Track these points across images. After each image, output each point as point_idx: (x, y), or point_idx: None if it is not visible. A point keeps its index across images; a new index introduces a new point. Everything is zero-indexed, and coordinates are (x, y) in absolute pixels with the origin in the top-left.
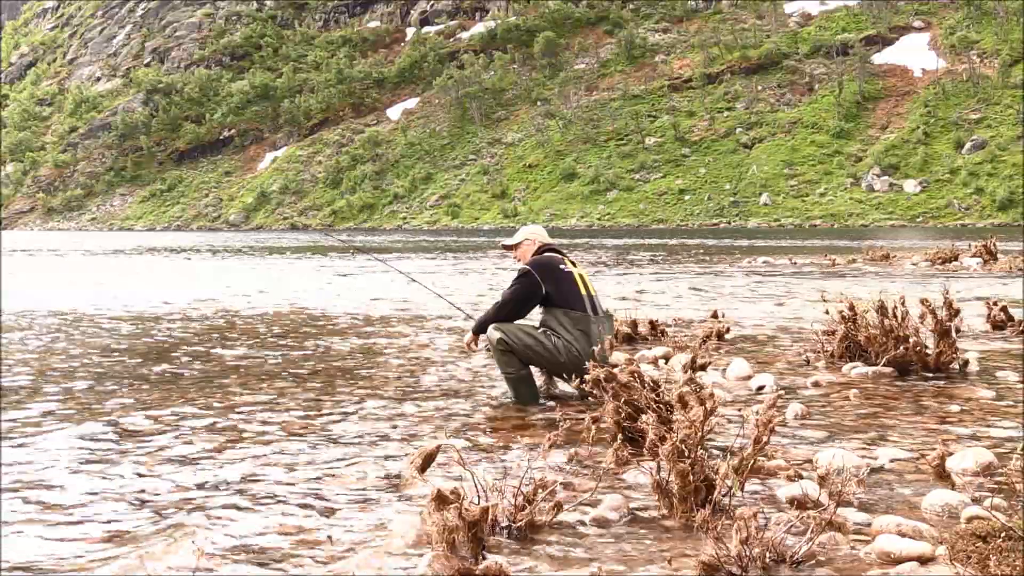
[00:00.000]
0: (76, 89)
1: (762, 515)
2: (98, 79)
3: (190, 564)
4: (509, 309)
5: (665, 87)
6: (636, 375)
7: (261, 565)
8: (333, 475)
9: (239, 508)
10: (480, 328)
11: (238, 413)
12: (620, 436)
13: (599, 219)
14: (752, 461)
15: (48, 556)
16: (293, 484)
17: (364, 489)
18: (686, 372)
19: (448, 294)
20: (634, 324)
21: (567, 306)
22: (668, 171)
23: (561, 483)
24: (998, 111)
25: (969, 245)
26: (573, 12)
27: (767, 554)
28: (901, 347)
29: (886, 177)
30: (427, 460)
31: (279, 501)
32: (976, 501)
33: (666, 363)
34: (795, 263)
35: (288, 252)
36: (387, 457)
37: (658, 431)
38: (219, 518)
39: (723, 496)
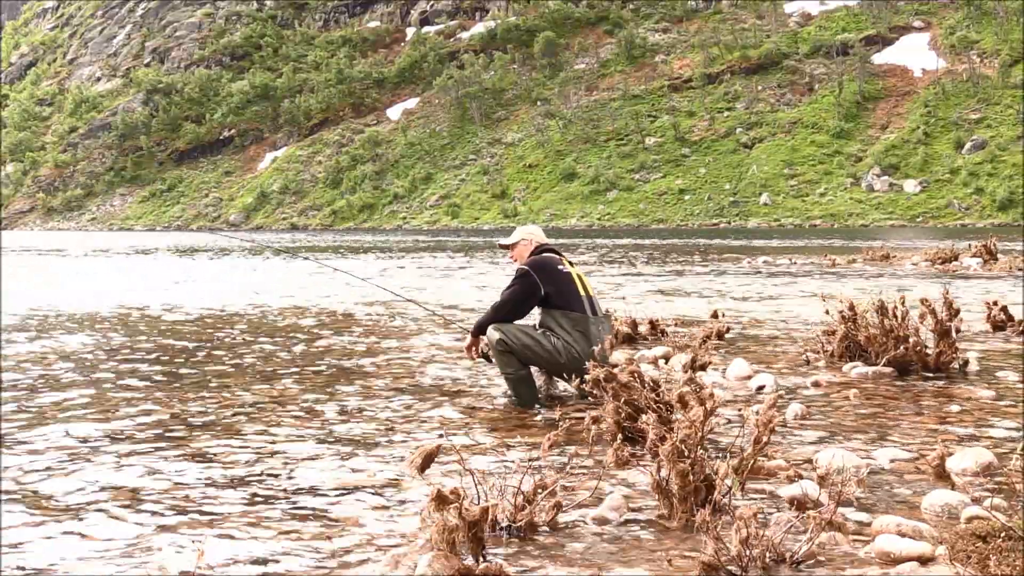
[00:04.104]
0: (76, 89)
1: (762, 515)
2: (98, 79)
3: (191, 564)
4: (508, 310)
5: (665, 87)
6: (636, 375)
7: (257, 564)
8: (332, 475)
9: (238, 507)
10: (479, 330)
11: (237, 412)
12: (620, 436)
13: (599, 219)
14: (752, 461)
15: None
16: (293, 484)
17: (363, 489)
18: (686, 372)
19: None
20: (634, 324)
21: (566, 307)
22: (668, 171)
23: (561, 483)
24: (998, 111)
25: (969, 245)
26: (573, 12)
27: (767, 554)
28: (901, 347)
29: (886, 177)
30: (427, 460)
31: (278, 502)
32: (976, 501)
33: (666, 363)
34: (795, 263)
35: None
36: (387, 457)
37: (658, 431)
38: (219, 516)
39: (723, 496)
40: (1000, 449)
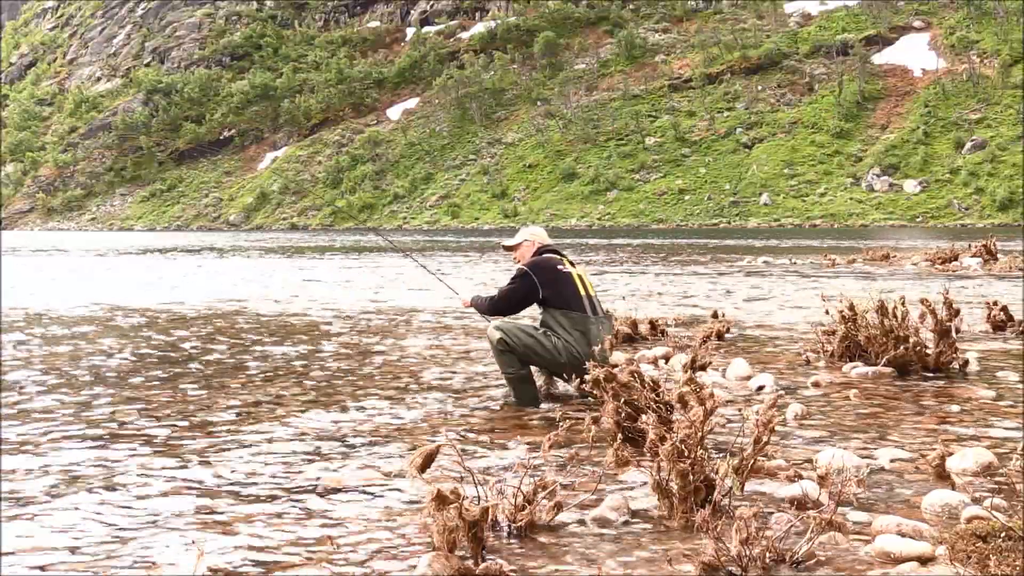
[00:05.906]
0: (76, 89)
1: (762, 515)
2: (98, 79)
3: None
4: (503, 306)
5: (665, 87)
6: (636, 375)
7: (256, 564)
8: (333, 475)
9: (237, 507)
10: (473, 301)
11: (238, 412)
12: (620, 436)
13: (599, 219)
14: (752, 461)
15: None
16: (294, 485)
17: (363, 489)
18: (686, 372)
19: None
20: (634, 324)
21: (566, 307)
22: (668, 171)
23: (561, 483)
24: (998, 111)
25: (969, 245)
26: (573, 12)
27: (767, 554)
28: (901, 347)
29: (886, 177)
30: (427, 460)
31: (278, 501)
32: (976, 501)
33: (666, 363)
34: (795, 263)
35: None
36: (387, 457)
37: (658, 431)
38: (218, 516)
39: (723, 496)
40: (1000, 449)
